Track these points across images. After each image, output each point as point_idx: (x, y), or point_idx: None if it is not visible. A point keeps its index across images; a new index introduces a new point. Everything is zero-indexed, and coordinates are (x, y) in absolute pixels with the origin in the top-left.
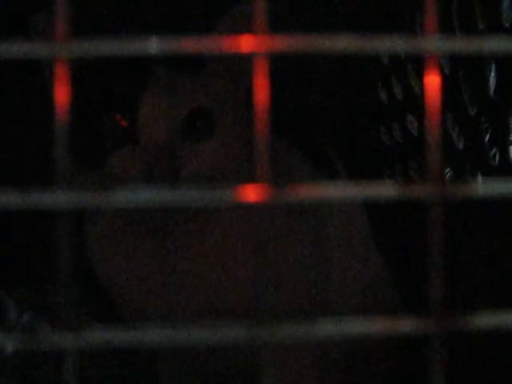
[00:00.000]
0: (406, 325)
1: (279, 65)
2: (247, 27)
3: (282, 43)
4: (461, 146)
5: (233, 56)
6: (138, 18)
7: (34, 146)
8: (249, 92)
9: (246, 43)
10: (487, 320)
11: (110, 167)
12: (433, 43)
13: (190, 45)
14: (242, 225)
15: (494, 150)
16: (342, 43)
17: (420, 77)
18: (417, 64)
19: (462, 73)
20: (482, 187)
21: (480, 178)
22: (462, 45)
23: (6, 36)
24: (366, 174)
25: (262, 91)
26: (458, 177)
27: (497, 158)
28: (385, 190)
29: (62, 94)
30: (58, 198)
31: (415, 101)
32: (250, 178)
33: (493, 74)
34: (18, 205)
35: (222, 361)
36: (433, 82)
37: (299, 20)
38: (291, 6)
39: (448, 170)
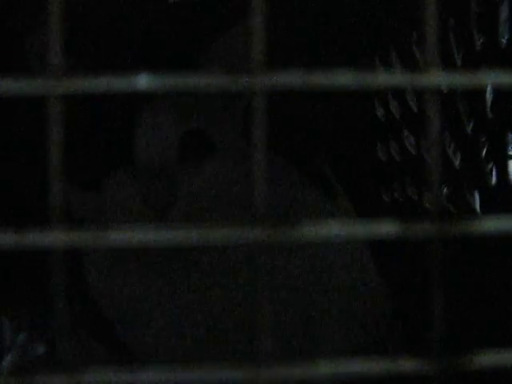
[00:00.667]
0: (406, 365)
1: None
2: (242, 50)
3: (281, 80)
4: (457, 162)
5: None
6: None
7: (29, 182)
8: (246, 114)
9: (242, 81)
10: (489, 359)
11: (107, 190)
12: (435, 79)
13: (185, 82)
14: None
15: (490, 166)
16: (342, 79)
17: (417, 94)
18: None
19: (458, 91)
20: (486, 224)
21: (477, 195)
22: (463, 80)
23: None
24: (362, 191)
25: (260, 127)
26: (454, 194)
27: (494, 174)
28: (387, 228)
29: (56, 132)
30: (53, 238)
31: (412, 118)
32: (248, 207)
33: (489, 88)
34: (12, 245)
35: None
36: (434, 117)
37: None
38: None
39: (444, 187)
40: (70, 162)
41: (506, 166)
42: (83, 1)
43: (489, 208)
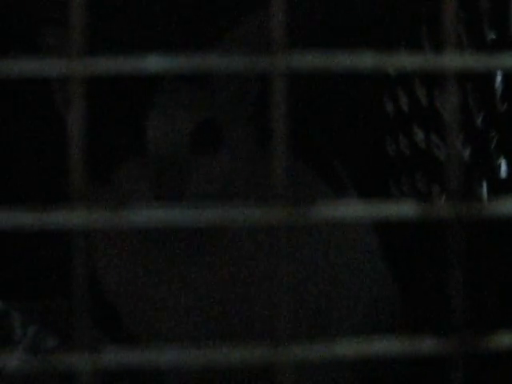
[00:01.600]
0: (427, 345)
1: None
2: (260, 39)
3: (302, 61)
4: (466, 155)
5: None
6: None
7: (49, 164)
8: (256, 105)
9: (263, 62)
10: (507, 339)
11: (118, 181)
12: (454, 61)
13: (205, 63)
14: (256, 242)
15: (500, 160)
16: (364, 60)
17: (426, 88)
18: (423, 75)
19: (469, 84)
20: (506, 206)
21: (486, 187)
22: (482, 61)
23: (17, 50)
24: (372, 187)
25: (278, 109)
26: (463, 186)
27: (503, 167)
28: (404, 209)
29: (76, 112)
30: (74, 218)
31: (422, 112)
32: (259, 193)
33: (499, 80)
34: (32, 225)
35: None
36: (453, 100)
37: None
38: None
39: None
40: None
41: None
42: None
43: (496, 193)
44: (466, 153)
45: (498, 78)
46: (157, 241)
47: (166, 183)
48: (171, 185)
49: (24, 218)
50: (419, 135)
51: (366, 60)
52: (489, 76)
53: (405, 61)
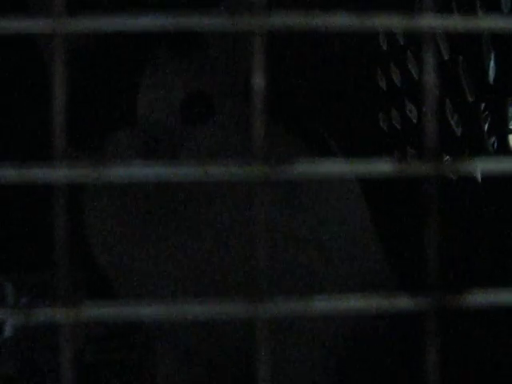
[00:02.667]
0: (403, 302)
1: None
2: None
3: (281, 20)
4: (459, 133)
5: (231, 40)
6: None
7: (33, 121)
8: (247, 77)
9: (244, 21)
10: (480, 298)
11: (107, 150)
12: (429, 21)
13: (187, 22)
14: (241, 205)
15: (492, 138)
16: (340, 20)
17: (419, 63)
18: (416, 50)
19: (461, 60)
20: (478, 164)
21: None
22: (457, 23)
23: (6, 12)
24: (364, 159)
25: (259, 69)
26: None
27: (495, 145)
28: (383, 166)
29: (59, 69)
30: (56, 173)
31: (414, 88)
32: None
33: (492, 61)
34: (16, 179)
35: (216, 347)
36: (429, 59)
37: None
38: None
39: (446, 157)
40: (72, 121)
41: (505, 137)
42: None
43: (487, 174)
44: (459, 130)
45: (491, 56)
46: (142, 207)
47: (156, 153)
48: (161, 155)
49: (7, 173)
50: (412, 110)
51: (344, 20)
52: (481, 54)
53: (384, 21)
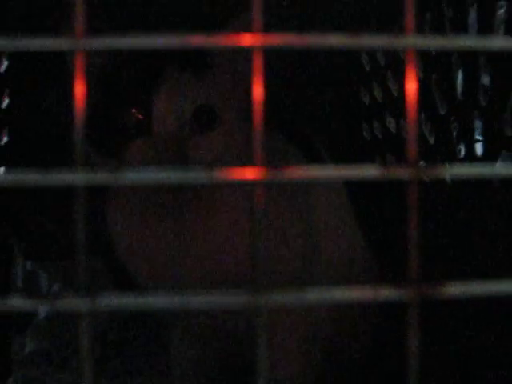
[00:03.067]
0: (387, 293)
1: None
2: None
3: (278, 39)
4: (432, 141)
5: (234, 60)
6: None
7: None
8: (248, 91)
9: (245, 39)
10: (457, 289)
11: (125, 157)
12: (411, 40)
13: (195, 40)
14: (242, 204)
15: (460, 146)
16: (331, 40)
17: (397, 81)
18: (395, 70)
19: (433, 77)
20: (450, 170)
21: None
22: (436, 42)
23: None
24: (350, 164)
25: (258, 83)
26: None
27: (462, 153)
28: (368, 171)
29: (80, 84)
30: (76, 176)
31: (393, 102)
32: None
33: (460, 78)
34: (41, 182)
35: (223, 327)
36: (412, 75)
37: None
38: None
39: (421, 162)
40: (96, 130)
41: (472, 145)
42: None
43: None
44: (432, 139)
45: (459, 75)
46: (157, 204)
47: (169, 158)
48: (173, 159)
49: (35, 178)
50: (391, 122)
51: (336, 40)
52: (451, 73)
53: (372, 41)
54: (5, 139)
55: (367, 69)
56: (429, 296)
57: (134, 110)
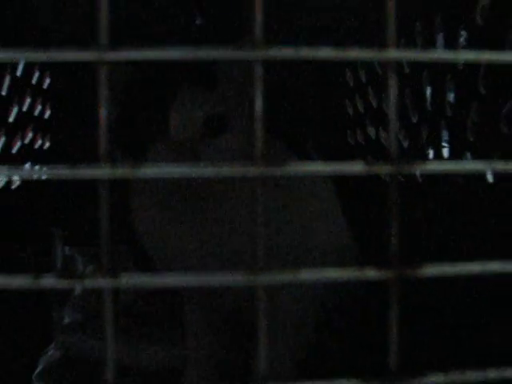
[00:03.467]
0: (370, 273)
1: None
2: None
3: (276, 53)
4: (406, 145)
5: (240, 75)
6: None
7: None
8: (251, 102)
9: (247, 53)
10: (433, 270)
11: (149, 158)
12: (392, 53)
13: (203, 54)
14: (246, 197)
15: (429, 150)
16: (322, 53)
17: (376, 95)
18: (374, 86)
19: (407, 91)
20: (424, 166)
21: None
22: (413, 55)
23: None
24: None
25: (259, 91)
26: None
27: (431, 156)
28: (355, 167)
29: (103, 92)
30: (100, 171)
31: (373, 113)
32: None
33: (429, 91)
34: (69, 176)
35: (230, 301)
36: (393, 83)
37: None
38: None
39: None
40: (123, 135)
41: (440, 149)
42: None
43: (426, 178)
44: (406, 143)
45: (428, 89)
46: (172, 199)
47: (184, 159)
48: (187, 160)
49: (64, 172)
50: (371, 130)
51: (325, 53)
52: (421, 86)
53: (357, 54)
54: (47, 144)
55: (351, 84)
56: (407, 276)
57: (154, 119)
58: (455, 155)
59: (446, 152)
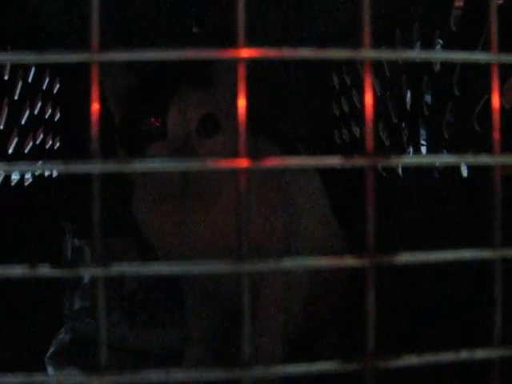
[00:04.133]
0: (350, 261)
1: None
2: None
3: (258, 53)
4: (388, 143)
5: (233, 78)
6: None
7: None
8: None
9: (231, 53)
10: (406, 258)
11: (148, 155)
12: (368, 53)
13: (193, 54)
14: (233, 192)
15: (409, 148)
16: (303, 53)
17: (361, 97)
18: (358, 88)
19: (388, 94)
20: (401, 160)
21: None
22: (388, 54)
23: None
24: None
25: (242, 90)
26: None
27: (411, 153)
28: (333, 160)
29: (95, 90)
30: (92, 166)
31: (357, 113)
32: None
33: (408, 95)
34: (63, 171)
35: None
36: (369, 81)
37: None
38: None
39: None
40: (125, 135)
41: (419, 148)
42: None
43: (406, 172)
44: (388, 142)
45: (408, 94)
46: (169, 195)
47: (180, 156)
48: (183, 157)
49: (59, 167)
50: (356, 129)
51: (307, 52)
52: (401, 89)
53: (337, 53)
54: (57, 144)
55: (337, 87)
56: (383, 263)
57: (152, 119)
58: (433, 152)
59: (424, 149)
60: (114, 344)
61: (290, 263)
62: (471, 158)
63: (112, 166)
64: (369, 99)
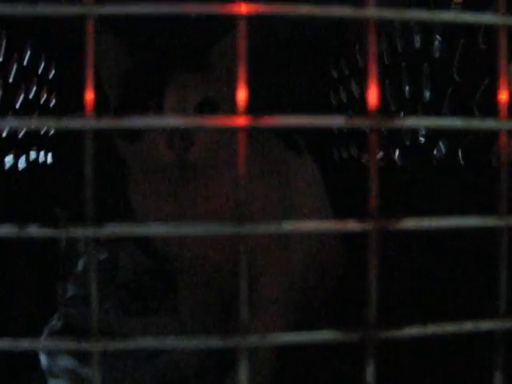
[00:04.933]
0: (352, 224)
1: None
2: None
3: (260, 8)
4: (386, 131)
5: (231, 61)
6: None
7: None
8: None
9: (232, 8)
10: (409, 223)
11: (145, 138)
12: (371, 12)
13: (191, 9)
14: (231, 176)
15: (408, 134)
16: (304, 9)
17: (359, 87)
18: (356, 78)
19: (387, 81)
20: (405, 121)
21: (397, 150)
22: (391, 13)
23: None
24: (321, 152)
25: (242, 47)
26: (384, 152)
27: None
28: (335, 120)
29: (90, 49)
30: (85, 122)
31: (355, 103)
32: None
33: (407, 85)
34: (55, 126)
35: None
36: (373, 42)
37: None
38: None
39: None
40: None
41: (417, 137)
42: None
43: (404, 157)
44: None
45: (407, 83)
46: (163, 181)
47: (178, 139)
48: (180, 141)
49: (51, 123)
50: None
51: (306, 9)
52: (401, 78)
53: (339, 12)
54: (52, 130)
55: (335, 77)
56: (385, 228)
57: (150, 103)
58: (432, 138)
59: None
60: (108, 331)
61: (290, 226)
62: (478, 122)
63: (105, 123)
64: (372, 57)
